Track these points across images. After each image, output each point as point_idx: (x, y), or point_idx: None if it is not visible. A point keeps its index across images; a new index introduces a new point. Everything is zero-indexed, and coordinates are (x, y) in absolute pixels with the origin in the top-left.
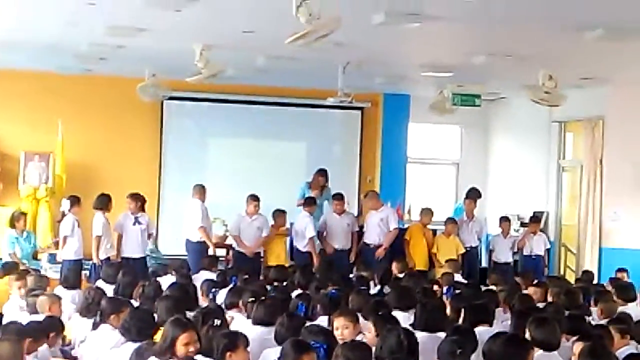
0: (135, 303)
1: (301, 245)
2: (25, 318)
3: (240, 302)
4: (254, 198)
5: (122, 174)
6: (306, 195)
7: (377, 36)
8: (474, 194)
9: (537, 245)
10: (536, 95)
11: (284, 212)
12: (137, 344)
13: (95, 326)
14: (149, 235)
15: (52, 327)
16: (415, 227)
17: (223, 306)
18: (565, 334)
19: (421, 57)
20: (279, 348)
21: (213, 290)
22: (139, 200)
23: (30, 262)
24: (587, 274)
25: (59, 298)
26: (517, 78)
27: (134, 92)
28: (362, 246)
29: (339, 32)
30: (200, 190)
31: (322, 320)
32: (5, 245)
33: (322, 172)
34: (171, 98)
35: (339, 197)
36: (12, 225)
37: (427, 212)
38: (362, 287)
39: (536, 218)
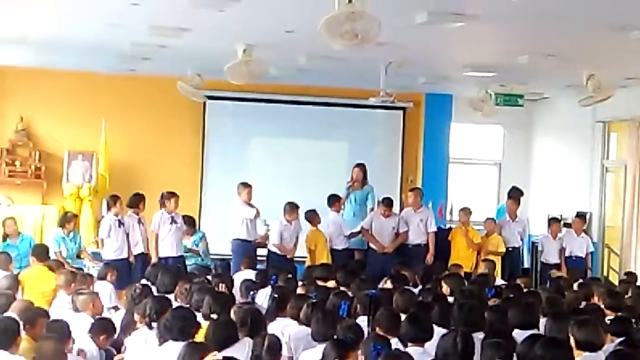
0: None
1: (338, 245)
2: (70, 316)
3: (288, 307)
4: (295, 206)
5: (164, 174)
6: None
7: (420, 36)
8: (515, 194)
9: (578, 247)
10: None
11: (314, 211)
12: (178, 343)
13: (149, 326)
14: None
15: (104, 330)
16: (455, 229)
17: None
18: (611, 335)
19: (464, 56)
20: (317, 349)
21: (252, 292)
22: (176, 199)
23: (74, 261)
24: (631, 275)
25: (97, 294)
26: (561, 78)
27: (177, 92)
28: (401, 246)
29: (381, 32)
30: (246, 188)
31: (362, 320)
32: (51, 244)
33: (360, 166)
34: (214, 98)
35: (387, 202)
36: (62, 225)
37: (465, 212)
38: (406, 287)
39: (581, 216)
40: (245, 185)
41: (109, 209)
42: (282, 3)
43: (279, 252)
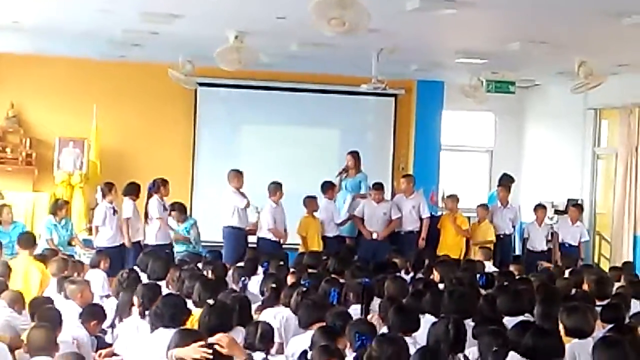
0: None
1: (330, 232)
2: (62, 303)
3: (282, 295)
4: (279, 185)
5: (155, 160)
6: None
7: (412, 22)
8: (506, 181)
9: (572, 235)
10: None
11: (314, 197)
12: (169, 330)
13: (142, 315)
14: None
15: (94, 316)
16: (444, 216)
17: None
18: (602, 322)
19: (456, 43)
20: (305, 335)
21: (242, 279)
22: (168, 186)
23: (66, 248)
24: (627, 264)
25: (88, 282)
26: (552, 65)
27: (169, 79)
28: (394, 233)
29: (373, 19)
30: (237, 176)
31: (355, 309)
32: (43, 231)
33: (353, 153)
34: (205, 85)
35: (378, 186)
36: (54, 213)
37: (451, 199)
38: (397, 274)
39: (577, 205)
40: (237, 172)
41: (103, 196)
42: None
43: (272, 237)
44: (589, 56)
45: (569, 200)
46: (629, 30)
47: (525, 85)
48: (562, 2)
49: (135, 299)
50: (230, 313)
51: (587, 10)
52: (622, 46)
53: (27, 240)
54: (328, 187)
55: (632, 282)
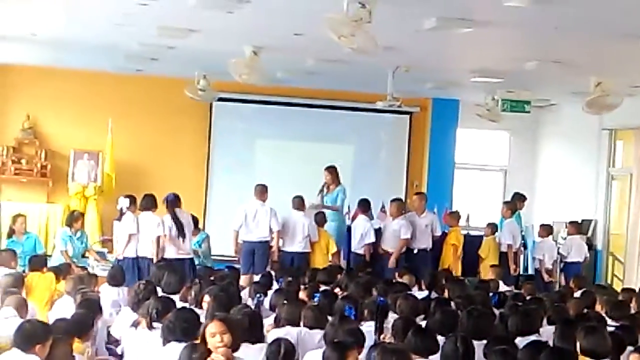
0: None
1: (356, 248)
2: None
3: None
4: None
5: (170, 174)
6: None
7: (428, 41)
8: (516, 198)
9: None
10: (593, 108)
11: (322, 213)
12: (181, 344)
13: (150, 327)
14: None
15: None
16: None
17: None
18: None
19: (471, 62)
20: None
21: (258, 295)
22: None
23: (80, 260)
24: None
25: (99, 297)
26: (568, 85)
27: (184, 93)
28: (407, 251)
29: (390, 37)
30: (262, 191)
31: (369, 326)
32: (58, 242)
33: (330, 169)
34: (221, 99)
35: (395, 201)
36: (69, 224)
37: (452, 216)
38: (409, 292)
39: (574, 222)
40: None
41: (130, 205)
42: (291, 6)
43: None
44: (604, 77)
45: (582, 220)
46: None
47: (541, 104)
48: (578, 23)
49: (139, 314)
50: (195, 319)
51: (603, 31)
52: (637, 67)
53: (37, 262)
54: (367, 207)
55: None
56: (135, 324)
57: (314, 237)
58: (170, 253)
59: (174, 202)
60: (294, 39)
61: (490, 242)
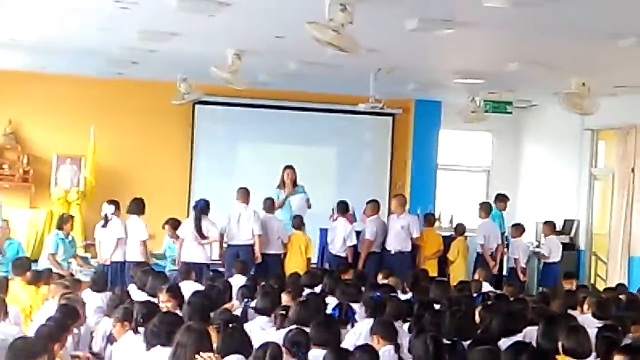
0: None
1: (339, 251)
2: None
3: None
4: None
5: (153, 178)
6: (280, 197)
7: (410, 42)
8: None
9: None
10: (570, 101)
11: (299, 216)
12: (166, 348)
13: (135, 331)
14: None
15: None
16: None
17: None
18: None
19: (453, 64)
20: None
21: (245, 300)
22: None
23: (65, 264)
24: (621, 286)
25: (83, 303)
26: (550, 86)
27: (166, 96)
28: (384, 253)
29: (371, 38)
30: (244, 194)
31: (367, 323)
32: (49, 245)
33: (290, 167)
34: (203, 102)
35: (370, 202)
36: (59, 227)
37: (429, 218)
38: (393, 294)
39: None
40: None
41: (116, 210)
42: (272, 8)
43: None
44: (586, 77)
45: (565, 220)
46: (625, 52)
47: (523, 105)
48: (559, 24)
49: (113, 319)
50: (180, 323)
51: (585, 32)
52: (618, 68)
53: (21, 265)
54: (346, 209)
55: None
56: (112, 340)
57: (285, 238)
58: (190, 257)
59: (203, 208)
60: (276, 41)
61: (458, 244)
